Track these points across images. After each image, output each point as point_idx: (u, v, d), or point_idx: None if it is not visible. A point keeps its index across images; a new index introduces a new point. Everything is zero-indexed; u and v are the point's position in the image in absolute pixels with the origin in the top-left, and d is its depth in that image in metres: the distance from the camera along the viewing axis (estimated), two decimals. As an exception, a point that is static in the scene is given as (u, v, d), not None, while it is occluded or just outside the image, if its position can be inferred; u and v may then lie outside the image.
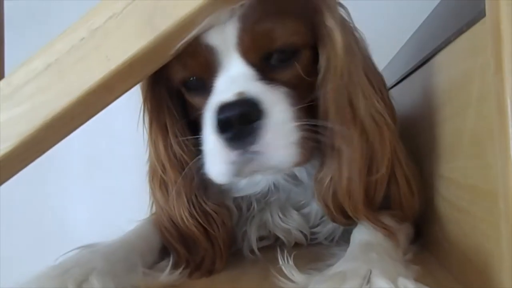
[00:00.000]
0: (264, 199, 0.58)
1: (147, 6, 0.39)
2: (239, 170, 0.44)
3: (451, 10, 0.48)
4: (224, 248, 0.51)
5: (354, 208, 0.48)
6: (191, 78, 0.48)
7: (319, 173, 0.49)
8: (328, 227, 0.59)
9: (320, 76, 0.47)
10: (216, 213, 0.51)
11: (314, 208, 0.58)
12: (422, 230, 0.56)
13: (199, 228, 0.50)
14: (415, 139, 0.56)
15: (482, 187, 0.38)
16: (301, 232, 0.59)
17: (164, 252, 0.52)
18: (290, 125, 0.43)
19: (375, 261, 0.38)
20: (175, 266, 0.49)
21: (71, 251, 0.46)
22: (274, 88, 0.44)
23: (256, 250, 0.57)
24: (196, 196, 0.51)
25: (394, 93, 0.54)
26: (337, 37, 0.46)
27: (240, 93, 0.42)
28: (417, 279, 0.34)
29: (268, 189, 0.56)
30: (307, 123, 0.44)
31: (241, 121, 0.41)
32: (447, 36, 0.45)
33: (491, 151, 0.34)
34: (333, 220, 0.52)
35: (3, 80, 0.42)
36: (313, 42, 0.48)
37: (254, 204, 0.58)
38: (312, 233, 0.60)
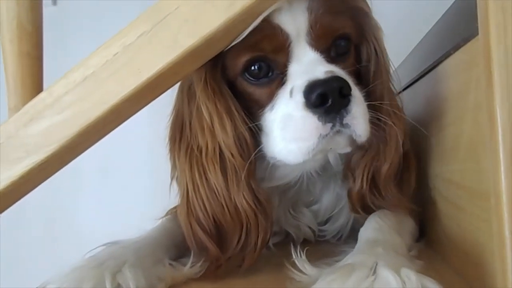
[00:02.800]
0: (284, 195, 0.60)
1: (173, 25, 0.43)
2: (322, 146, 0.46)
3: (450, 26, 0.52)
4: (262, 241, 0.50)
5: (387, 186, 0.54)
6: (255, 66, 0.50)
7: (357, 155, 0.54)
8: (336, 225, 0.63)
9: (372, 69, 0.53)
10: (266, 201, 0.51)
11: (323, 205, 0.62)
12: (425, 229, 0.60)
13: (251, 215, 0.49)
14: (418, 144, 0.60)
15: (477, 188, 0.41)
16: (310, 228, 0.62)
17: (187, 247, 0.54)
18: (365, 103, 0.48)
19: (381, 254, 0.41)
20: (197, 259, 0.49)
21: (100, 246, 0.50)
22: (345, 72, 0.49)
23: (271, 246, 0.59)
24: (253, 181, 0.50)
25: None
26: (381, 35, 0.54)
27: (330, 71, 0.46)
28: (420, 272, 0.37)
29: (299, 178, 0.58)
30: (373, 103, 0.50)
31: (337, 95, 0.44)
32: (447, 49, 0.48)
33: (484, 156, 0.38)
34: (354, 209, 0.55)
35: (46, 91, 0.46)
36: (358, 40, 0.54)
37: (276, 200, 0.59)
38: (321, 231, 0.64)
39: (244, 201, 0.49)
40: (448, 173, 0.51)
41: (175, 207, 0.60)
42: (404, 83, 0.72)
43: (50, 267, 0.44)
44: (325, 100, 0.44)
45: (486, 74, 0.33)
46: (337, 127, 0.46)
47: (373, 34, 0.54)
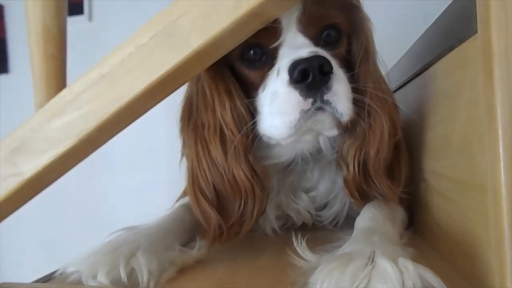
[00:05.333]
0: (283, 180, 0.57)
1: (184, 27, 0.39)
2: (304, 122, 0.43)
3: (444, 28, 0.47)
4: (258, 210, 0.47)
5: (377, 174, 0.49)
6: (250, 52, 0.48)
7: (347, 142, 0.50)
8: (332, 211, 0.59)
9: (359, 58, 0.50)
10: (262, 174, 0.48)
11: (320, 192, 0.58)
12: (415, 219, 0.55)
13: (247, 185, 0.47)
14: (410, 141, 0.55)
15: (469, 181, 0.37)
16: (309, 212, 0.59)
17: (196, 232, 0.51)
18: (348, 84, 0.45)
19: (377, 243, 0.37)
20: (202, 238, 0.47)
21: (116, 232, 0.47)
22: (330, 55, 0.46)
23: (277, 229, 0.56)
24: (250, 155, 0.48)
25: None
26: (371, 26, 0.50)
27: (313, 51, 0.43)
28: (412, 260, 0.33)
29: (293, 159, 0.55)
30: (357, 86, 0.47)
31: (317, 71, 0.41)
32: (440, 50, 0.44)
33: (479, 151, 0.33)
34: (351, 195, 0.51)
35: (66, 89, 0.43)
36: (349, 33, 0.51)
37: (275, 183, 0.56)
38: (318, 216, 0.60)
39: (241, 172, 0.46)
40: (439, 168, 0.47)
41: (184, 192, 0.56)
42: (396, 85, 0.68)
43: (87, 247, 0.41)
44: (306, 76, 0.41)
45: (486, 71, 0.29)
46: (318, 103, 0.43)
47: (363, 25, 0.50)
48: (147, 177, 1.50)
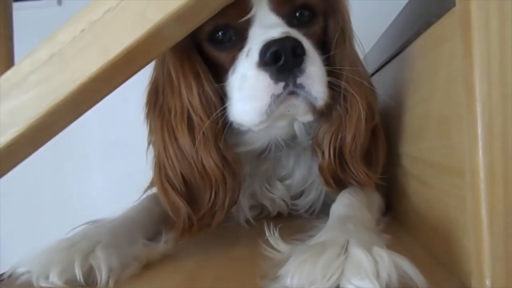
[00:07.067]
0: (256, 168, 0.54)
1: (141, 0, 0.35)
2: (276, 107, 0.41)
3: (420, 6, 0.45)
4: (230, 200, 0.45)
5: (353, 160, 0.47)
6: (219, 33, 0.45)
7: (323, 128, 0.48)
8: (308, 199, 0.57)
9: (334, 39, 0.47)
10: (234, 161, 0.45)
11: (295, 179, 0.56)
12: (392, 204, 0.54)
13: (217, 174, 0.44)
14: (387, 125, 0.54)
15: (446, 164, 0.35)
16: (284, 201, 0.57)
17: (164, 224, 0.48)
18: (323, 67, 0.43)
19: (352, 231, 0.35)
20: (170, 233, 0.44)
21: (79, 226, 0.44)
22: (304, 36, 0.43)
23: (251, 219, 0.54)
24: (220, 142, 0.45)
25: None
26: (347, 8, 0.48)
27: (285, 32, 0.40)
28: (388, 247, 0.32)
29: (267, 146, 0.52)
30: (333, 69, 0.44)
31: (290, 53, 0.39)
32: (417, 29, 0.42)
33: (457, 131, 0.32)
34: (326, 183, 0.49)
35: (11, 70, 0.38)
36: (325, 12, 0.48)
37: (248, 171, 0.53)
38: (294, 205, 0.58)
39: (211, 160, 0.44)
40: (416, 151, 0.45)
41: (151, 183, 0.53)
42: (373, 68, 0.66)
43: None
44: (278, 58, 0.39)
45: (465, 45, 0.27)
46: (291, 87, 0.40)
47: (339, 3, 0.48)
48: (125, 169, 1.45)
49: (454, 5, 0.30)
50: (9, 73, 0.38)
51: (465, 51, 0.27)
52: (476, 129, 0.26)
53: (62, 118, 0.40)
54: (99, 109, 0.42)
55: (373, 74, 0.67)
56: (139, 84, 0.47)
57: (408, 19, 0.51)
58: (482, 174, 0.25)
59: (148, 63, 0.41)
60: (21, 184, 1.28)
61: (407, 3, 0.53)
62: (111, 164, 1.49)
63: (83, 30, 0.36)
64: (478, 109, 0.25)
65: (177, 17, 0.35)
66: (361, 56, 0.52)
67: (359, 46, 0.51)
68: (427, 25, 0.39)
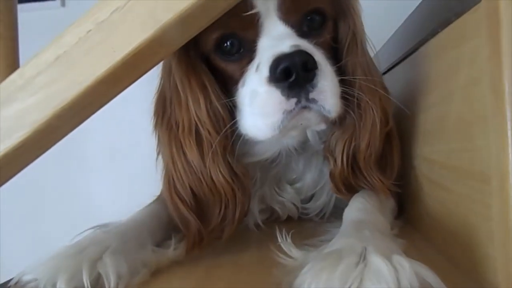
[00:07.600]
0: (266, 172, 0.53)
1: (149, 0, 0.34)
2: (288, 122, 0.40)
3: (437, 5, 0.44)
4: (240, 214, 0.44)
5: (367, 167, 0.46)
6: (226, 43, 0.43)
7: (336, 134, 0.47)
8: (319, 203, 0.56)
9: (346, 44, 0.46)
10: (243, 175, 0.45)
11: (306, 183, 0.55)
12: (405, 207, 0.53)
13: (227, 189, 0.43)
14: (400, 127, 0.52)
15: (467, 168, 0.34)
16: (294, 205, 0.56)
17: (173, 228, 0.47)
18: (335, 78, 0.41)
19: (369, 238, 0.34)
20: (180, 240, 0.43)
21: (87, 230, 0.43)
22: (315, 47, 0.42)
23: (260, 223, 0.53)
24: (229, 156, 0.44)
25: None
26: (358, 11, 0.46)
27: (295, 45, 0.39)
28: (404, 252, 0.31)
29: (278, 154, 0.51)
30: (347, 78, 0.43)
31: (301, 69, 0.37)
32: (433, 27, 0.40)
33: (480, 134, 0.30)
34: (337, 189, 0.48)
35: (16, 72, 0.37)
36: (335, 16, 0.47)
37: (258, 175, 0.52)
38: (304, 208, 0.57)
39: (220, 175, 0.43)
40: (430, 154, 0.44)
41: (160, 194, 0.52)
42: (384, 67, 0.64)
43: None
44: (289, 74, 0.37)
45: (492, 44, 0.25)
46: (303, 102, 0.39)
47: (349, 7, 0.46)
48: (129, 170, 1.44)
49: (476, 2, 0.29)
50: (14, 75, 0.37)
51: (492, 50, 0.25)
52: (505, 132, 0.24)
53: (69, 121, 0.39)
54: (102, 113, 0.41)
55: (384, 73, 0.66)
56: (142, 88, 0.46)
57: (422, 18, 0.50)
58: (511, 179, 0.24)
59: (156, 64, 0.40)
60: (23, 188, 1.28)
61: (420, 2, 0.52)
62: (114, 168, 1.49)
63: (89, 31, 0.35)
64: (508, 112, 0.24)
65: (186, 17, 0.34)
66: (372, 55, 0.50)
67: (370, 46, 0.50)
68: (445, 23, 0.37)
